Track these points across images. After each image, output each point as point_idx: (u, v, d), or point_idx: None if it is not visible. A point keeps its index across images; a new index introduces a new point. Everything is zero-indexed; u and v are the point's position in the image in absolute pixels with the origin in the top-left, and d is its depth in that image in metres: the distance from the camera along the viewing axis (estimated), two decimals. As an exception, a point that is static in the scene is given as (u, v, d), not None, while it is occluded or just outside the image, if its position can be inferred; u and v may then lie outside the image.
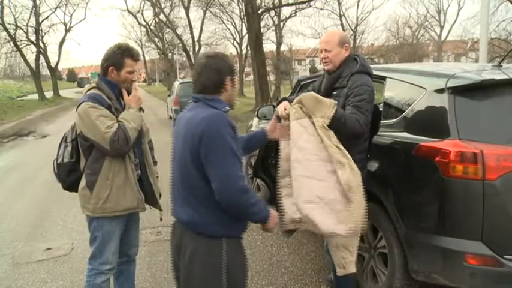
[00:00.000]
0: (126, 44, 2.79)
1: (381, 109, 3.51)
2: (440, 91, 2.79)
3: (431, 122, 2.85)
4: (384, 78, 3.46)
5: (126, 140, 2.57)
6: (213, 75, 2.01)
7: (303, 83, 4.59)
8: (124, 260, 2.99)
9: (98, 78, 2.75)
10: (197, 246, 1.98)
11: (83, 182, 2.73)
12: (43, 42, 36.82)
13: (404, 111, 3.08)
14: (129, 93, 2.79)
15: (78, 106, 2.65)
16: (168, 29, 39.41)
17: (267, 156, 3.65)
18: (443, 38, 42.76)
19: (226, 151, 1.87)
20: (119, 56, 2.67)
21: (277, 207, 2.92)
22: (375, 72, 3.68)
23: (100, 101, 2.62)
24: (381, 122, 3.29)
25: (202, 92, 2.03)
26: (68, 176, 2.81)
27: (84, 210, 2.77)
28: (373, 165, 3.22)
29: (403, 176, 2.93)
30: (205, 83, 2.03)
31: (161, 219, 3.03)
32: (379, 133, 3.24)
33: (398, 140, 3.02)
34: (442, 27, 42.69)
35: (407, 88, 3.17)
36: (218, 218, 1.96)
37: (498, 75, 2.85)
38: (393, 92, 3.37)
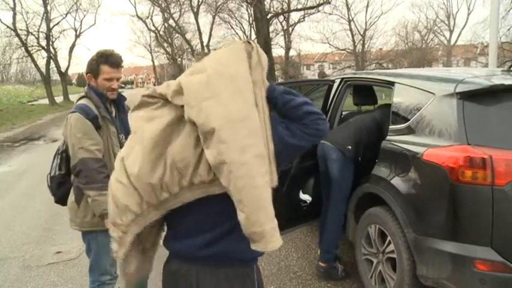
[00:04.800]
0: (105, 51, 2.70)
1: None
2: (449, 96, 2.79)
3: (439, 127, 2.84)
4: (392, 83, 3.47)
5: (85, 177, 2.49)
6: None
7: None
8: None
9: (87, 87, 2.71)
10: None
11: (72, 196, 2.67)
12: (54, 48, 37.21)
13: (412, 116, 3.09)
14: (111, 102, 2.75)
15: (68, 114, 2.62)
16: (177, 34, 39.69)
17: None
18: (452, 42, 42.50)
19: None
20: (94, 63, 2.64)
21: None
22: (383, 78, 3.71)
23: (87, 112, 2.56)
24: (390, 127, 3.30)
25: None
26: (58, 188, 2.75)
27: (71, 224, 2.71)
28: (382, 170, 3.23)
29: (411, 181, 2.93)
30: None
31: None
32: (387, 138, 3.25)
33: (406, 145, 3.02)
34: (451, 32, 42.40)
35: (415, 93, 3.17)
36: None
37: (508, 80, 2.84)
38: (402, 97, 3.37)
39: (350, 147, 3.59)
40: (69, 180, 2.71)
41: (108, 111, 2.70)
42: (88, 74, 2.67)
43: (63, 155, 2.70)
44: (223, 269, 1.62)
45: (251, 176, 1.34)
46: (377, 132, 3.56)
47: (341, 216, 3.71)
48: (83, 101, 2.65)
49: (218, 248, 1.57)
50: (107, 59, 2.62)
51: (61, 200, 2.79)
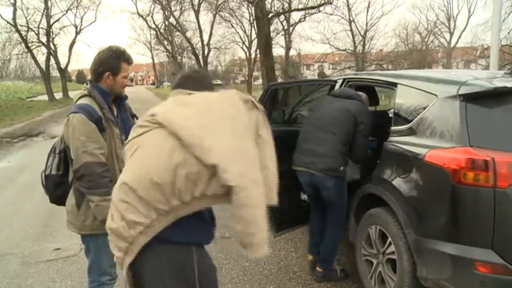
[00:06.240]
0: (119, 47, 2.62)
1: (391, 115, 3.52)
2: (451, 98, 2.79)
3: (442, 128, 2.84)
4: (395, 84, 3.47)
5: (88, 182, 2.41)
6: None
7: (274, 87, 4.28)
8: None
9: (91, 85, 2.56)
10: None
11: (71, 198, 2.58)
12: (54, 44, 37.17)
13: (415, 118, 3.08)
14: (119, 97, 2.67)
15: (69, 114, 2.49)
16: (177, 32, 39.71)
17: None
18: (452, 44, 42.52)
19: None
20: (115, 61, 2.53)
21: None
22: (386, 79, 3.70)
23: (91, 113, 2.44)
24: (392, 128, 3.30)
25: None
26: (55, 189, 2.66)
27: (70, 226, 2.64)
28: (383, 171, 3.22)
29: (413, 182, 2.93)
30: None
31: None
32: (389, 139, 3.25)
33: (408, 146, 3.01)
34: (451, 34, 42.41)
35: (418, 94, 3.17)
36: None
37: (510, 83, 2.84)
38: (404, 98, 3.37)
39: (342, 167, 3.46)
40: (67, 180, 2.62)
41: (112, 112, 2.61)
42: (107, 73, 2.53)
43: (62, 155, 2.61)
44: (160, 246, 1.70)
45: (251, 198, 1.54)
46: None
47: (342, 225, 3.68)
48: (85, 101, 2.51)
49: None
50: (126, 57, 2.58)
51: (57, 200, 2.73)
